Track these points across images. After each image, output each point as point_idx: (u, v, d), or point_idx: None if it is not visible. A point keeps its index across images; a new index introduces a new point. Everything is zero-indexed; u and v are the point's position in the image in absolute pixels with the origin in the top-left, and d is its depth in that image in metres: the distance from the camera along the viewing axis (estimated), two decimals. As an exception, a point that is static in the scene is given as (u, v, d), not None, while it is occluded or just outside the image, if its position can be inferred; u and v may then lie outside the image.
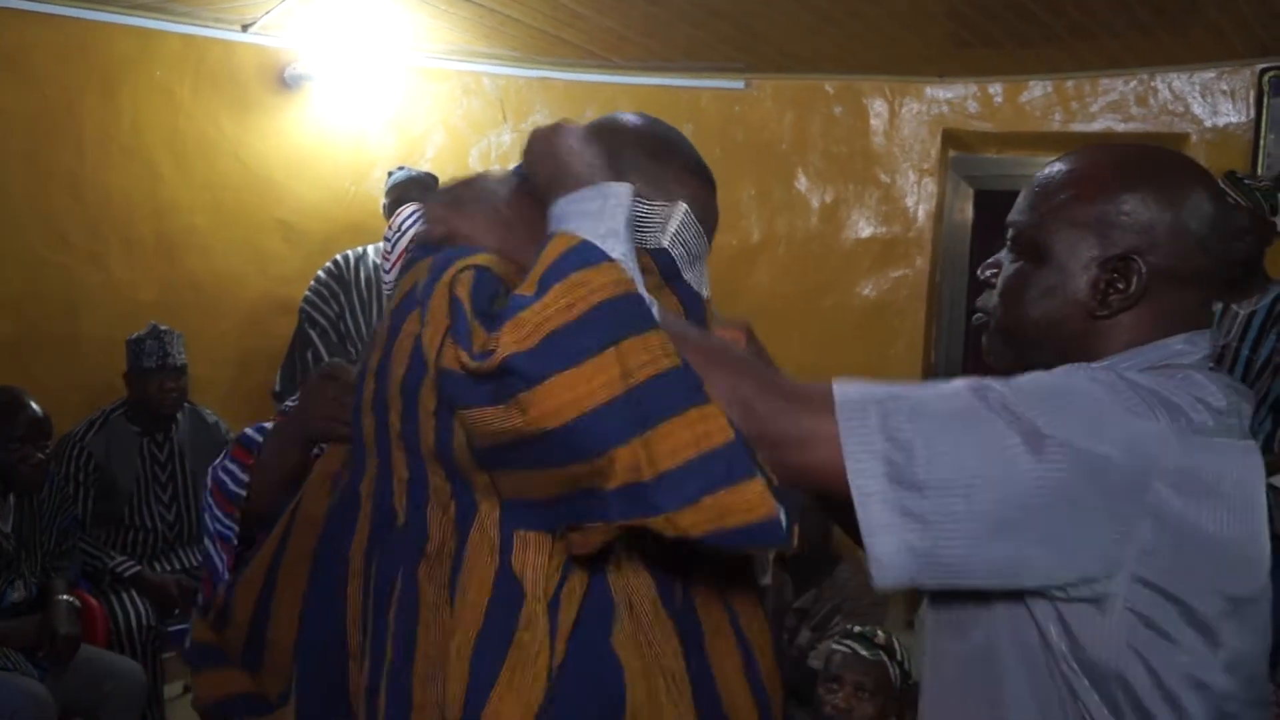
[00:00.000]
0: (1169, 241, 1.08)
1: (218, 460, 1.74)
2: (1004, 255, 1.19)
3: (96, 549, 3.41)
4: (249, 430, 1.76)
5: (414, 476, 1.09)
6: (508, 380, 0.96)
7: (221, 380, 4.18)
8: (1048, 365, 1.11)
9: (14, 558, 3.04)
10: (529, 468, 1.00)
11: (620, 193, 1.05)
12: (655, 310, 1.02)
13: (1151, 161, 1.13)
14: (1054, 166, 1.16)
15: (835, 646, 2.72)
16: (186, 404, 3.69)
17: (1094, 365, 1.06)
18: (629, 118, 1.26)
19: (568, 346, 0.96)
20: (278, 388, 3.88)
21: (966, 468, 0.96)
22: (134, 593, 3.38)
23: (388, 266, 2.29)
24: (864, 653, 2.64)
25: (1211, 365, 1.13)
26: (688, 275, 1.21)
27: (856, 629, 2.74)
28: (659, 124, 1.27)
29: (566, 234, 1.02)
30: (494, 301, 1.03)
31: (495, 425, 0.98)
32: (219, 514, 1.69)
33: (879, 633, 2.70)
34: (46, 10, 3.79)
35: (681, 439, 0.95)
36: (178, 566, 3.58)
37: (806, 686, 2.88)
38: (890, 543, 0.97)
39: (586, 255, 0.99)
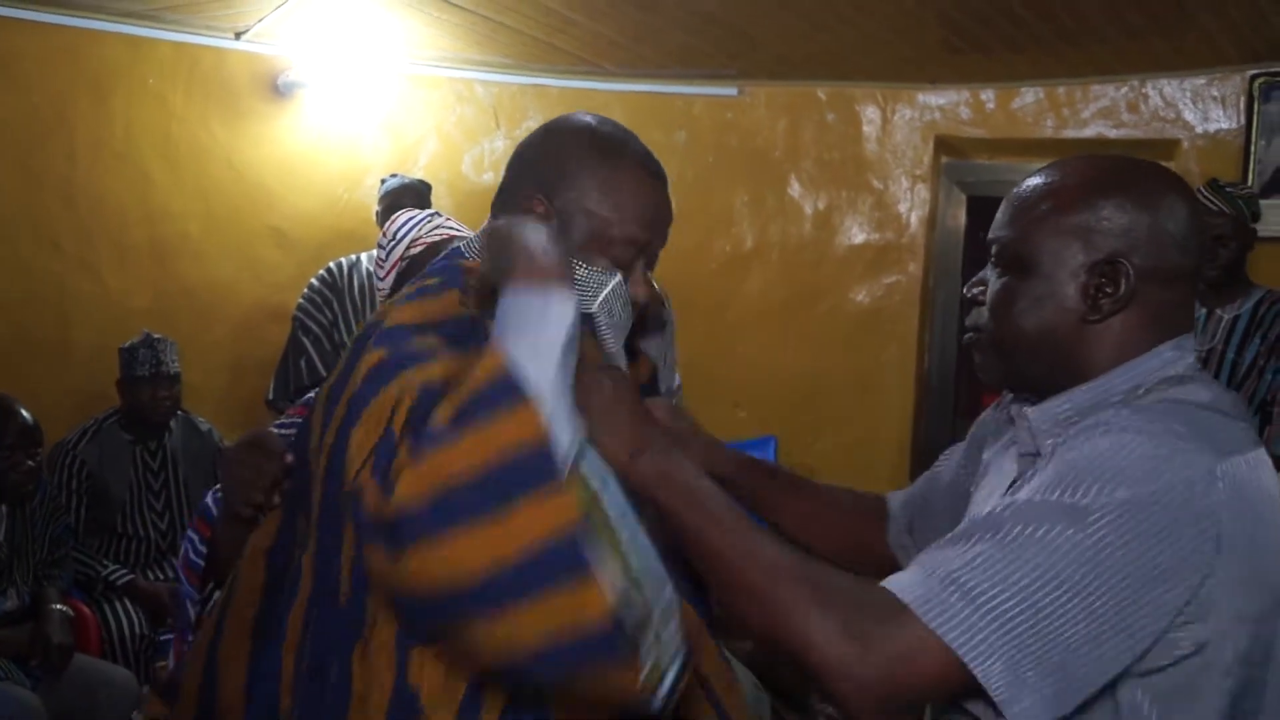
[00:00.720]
0: (1149, 242, 1.11)
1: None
2: (989, 271, 1.21)
3: (89, 557, 3.40)
4: (208, 499, 1.76)
5: (358, 556, 1.09)
6: (398, 532, 0.97)
7: (215, 388, 4.17)
8: (1042, 376, 1.13)
9: (6, 566, 3.03)
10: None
11: (564, 309, 1.04)
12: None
13: (1125, 169, 1.16)
14: (1031, 180, 1.19)
15: None
16: (180, 412, 3.68)
17: (1116, 423, 1.04)
18: (579, 117, 1.28)
19: (460, 504, 0.95)
20: (271, 395, 3.87)
21: (1059, 590, 0.96)
22: (127, 601, 3.38)
23: (381, 274, 2.29)
24: None
25: (1198, 368, 1.16)
26: (610, 344, 1.23)
27: None
28: (608, 122, 1.28)
29: (498, 355, 1.01)
30: (428, 419, 1.02)
31: (384, 570, 1.00)
32: (183, 577, 1.71)
33: None
34: (36, 18, 3.79)
35: (554, 617, 0.94)
36: (171, 575, 3.56)
37: (802, 691, 2.88)
38: (1029, 700, 0.95)
39: (506, 394, 0.98)
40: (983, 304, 1.20)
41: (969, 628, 0.95)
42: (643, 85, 4.70)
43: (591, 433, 1.08)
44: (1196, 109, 4.32)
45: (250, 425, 4.20)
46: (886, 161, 4.79)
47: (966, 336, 1.24)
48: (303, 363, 3.80)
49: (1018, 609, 0.95)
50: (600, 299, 1.22)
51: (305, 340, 3.82)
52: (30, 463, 3.03)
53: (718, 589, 1.08)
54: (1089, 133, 4.50)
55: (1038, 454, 1.14)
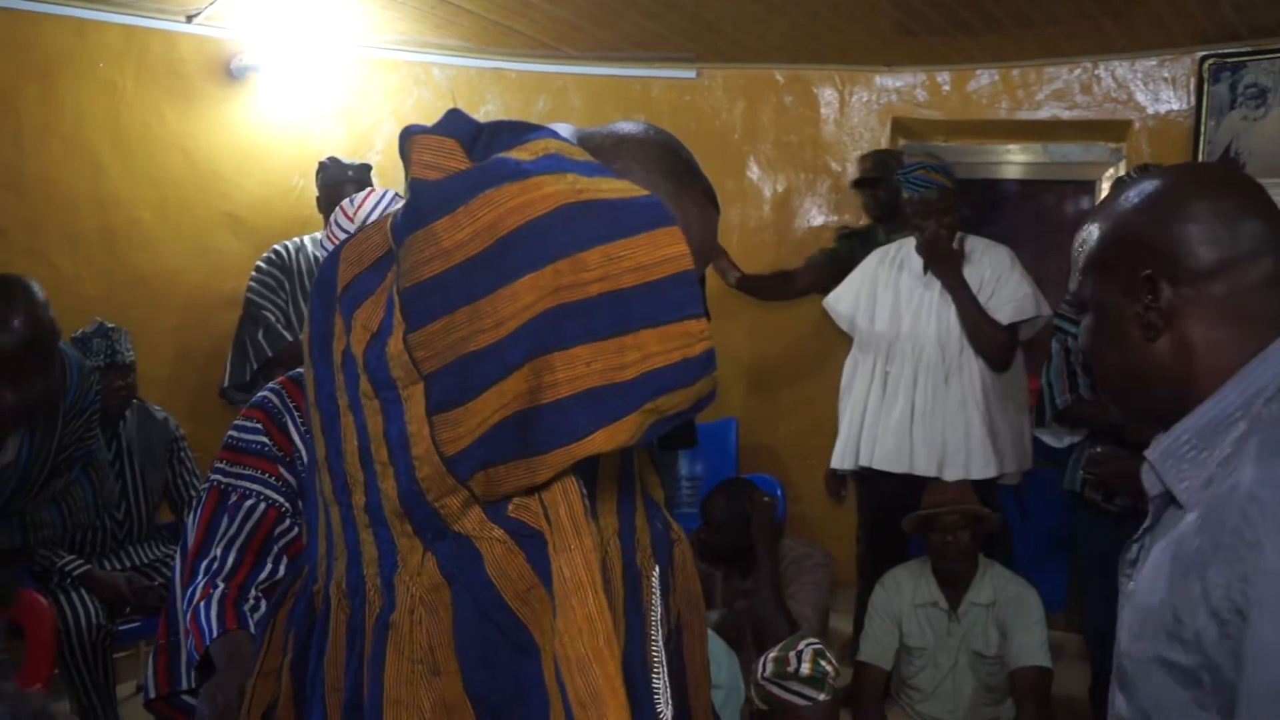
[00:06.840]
0: (1172, 245, 1.09)
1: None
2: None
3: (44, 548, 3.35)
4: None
5: (383, 553, 1.08)
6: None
7: (168, 376, 4.12)
8: (1149, 405, 1.15)
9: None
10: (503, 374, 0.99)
11: None
12: None
13: (1138, 187, 1.16)
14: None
15: (793, 697, 2.61)
16: (135, 400, 3.63)
17: None
18: (644, 131, 1.25)
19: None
20: (226, 383, 3.82)
21: None
22: (84, 592, 3.33)
23: None
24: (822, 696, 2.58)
25: None
26: None
27: (804, 670, 2.54)
28: (674, 141, 1.28)
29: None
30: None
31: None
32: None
33: (829, 670, 2.61)
34: (-19, 0, 3.71)
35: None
36: (128, 564, 3.53)
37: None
38: None
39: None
40: None
41: None
42: (601, 68, 4.69)
43: None
44: (1148, 90, 4.37)
45: (204, 414, 4.17)
46: (844, 144, 4.81)
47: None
48: (260, 335, 3.71)
49: None
50: None
51: (264, 314, 3.74)
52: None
53: None
54: (1043, 114, 4.54)
55: (1169, 497, 1.12)
